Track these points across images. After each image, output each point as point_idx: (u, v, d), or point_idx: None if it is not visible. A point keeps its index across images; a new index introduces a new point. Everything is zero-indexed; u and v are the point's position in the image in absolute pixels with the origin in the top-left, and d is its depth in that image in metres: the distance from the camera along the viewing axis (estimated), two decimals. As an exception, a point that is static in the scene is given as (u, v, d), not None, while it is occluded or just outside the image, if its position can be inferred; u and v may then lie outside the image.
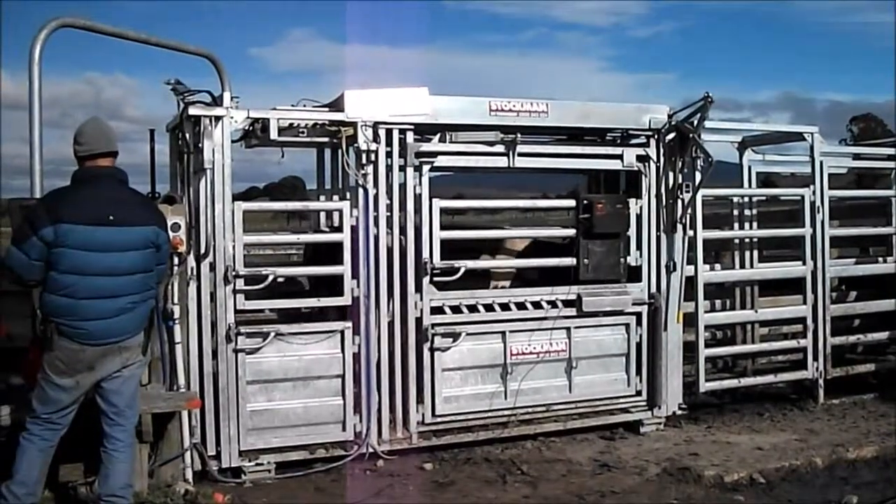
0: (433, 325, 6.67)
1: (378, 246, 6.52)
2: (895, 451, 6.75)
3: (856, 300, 8.86)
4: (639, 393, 7.39)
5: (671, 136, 7.33)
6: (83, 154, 4.78)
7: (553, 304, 7.08)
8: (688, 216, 7.39)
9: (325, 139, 6.71)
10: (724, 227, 8.53)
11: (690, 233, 7.46)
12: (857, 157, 9.32)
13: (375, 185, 6.50)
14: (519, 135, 6.85)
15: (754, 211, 8.57)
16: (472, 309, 6.86)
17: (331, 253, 6.51)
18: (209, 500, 5.62)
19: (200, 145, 6.04)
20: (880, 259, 9.02)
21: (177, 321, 5.92)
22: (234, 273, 6.10)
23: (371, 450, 6.48)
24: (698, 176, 7.32)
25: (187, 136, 6.14)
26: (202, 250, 6.07)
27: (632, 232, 7.30)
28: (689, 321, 7.59)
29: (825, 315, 8.17)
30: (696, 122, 7.18)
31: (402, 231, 6.62)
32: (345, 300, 6.46)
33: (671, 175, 7.38)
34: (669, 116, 7.34)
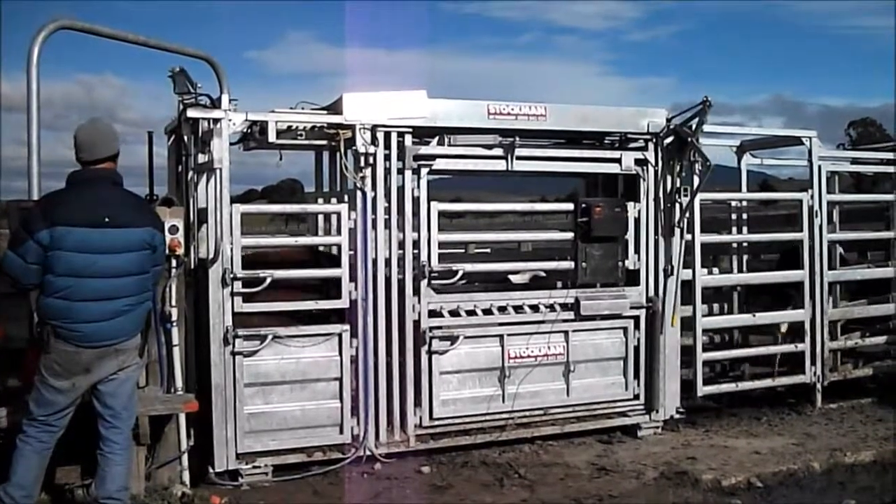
0: (431, 329, 6.66)
1: (377, 249, 6.52)
2: (893, 456, 6.75)
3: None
4: (636, 397, 7.39)
5: (669, 139, 7.33)
6: (79, 160, 4.79)
7: (551, 307, 7.08)
8: (685, 220, 7.39)
9: (324, 142, 6.73)
10: (723, 231, 8.53)
11: (688, 236, 7.45)
12: (855, 161, 9.33)
13: (374, 187, 6.49)
14: (517, 138, 6.86)
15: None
16: (470, 312, 6.86)
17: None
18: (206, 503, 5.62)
19: (199, 148, 6.03)
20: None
21: (174, 323, 5.92)
22: (231, 276, 6.08)
23: (368, 453, 6.47)
24: (696, 180, 7.33)
25: (186, 138, 6.13)
26: (212, 254, 6.04)
27: (630, 235, 7.31)
28: (687, 325, 7.60)
29: (823, 319, 8.17)
30: (694, 126, 7.17)
31: (401, 234, 6.61)
32: (342, 303, 6.46)
33: (669, 179, 7.39)
34: (668, 120, 7.34)
